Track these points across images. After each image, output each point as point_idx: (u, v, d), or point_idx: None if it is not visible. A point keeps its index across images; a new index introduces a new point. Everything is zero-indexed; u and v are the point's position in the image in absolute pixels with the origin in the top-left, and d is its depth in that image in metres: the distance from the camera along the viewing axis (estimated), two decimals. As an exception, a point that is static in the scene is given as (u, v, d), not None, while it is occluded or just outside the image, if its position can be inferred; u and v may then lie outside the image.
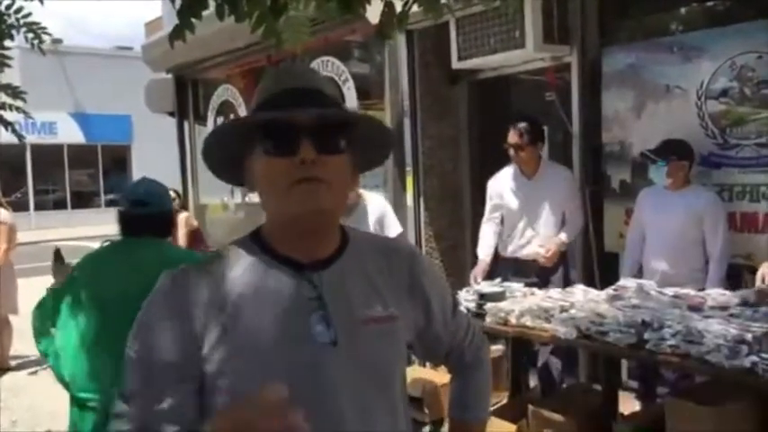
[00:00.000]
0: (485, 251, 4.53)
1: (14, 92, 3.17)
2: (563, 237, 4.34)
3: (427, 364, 4.47)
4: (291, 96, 1.19)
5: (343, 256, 1.25)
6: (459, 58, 5.00)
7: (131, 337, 1.18)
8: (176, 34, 2.18)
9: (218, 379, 1.14)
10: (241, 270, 1.20)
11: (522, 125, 4.29)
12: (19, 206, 20.47)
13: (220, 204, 8.50)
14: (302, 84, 1.21)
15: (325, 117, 1.17)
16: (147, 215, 2.66)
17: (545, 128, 4.63)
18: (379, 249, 1.33)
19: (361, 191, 4.40)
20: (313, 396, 1.14)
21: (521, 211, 4.43)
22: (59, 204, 24.53)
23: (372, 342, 1.22)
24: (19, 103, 3.20)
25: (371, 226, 4.31)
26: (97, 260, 2.76)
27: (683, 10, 4.43)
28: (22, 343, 6.37)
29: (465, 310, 3.52)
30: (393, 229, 4.46)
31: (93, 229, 19.30)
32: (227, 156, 1.26)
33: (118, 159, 25.22)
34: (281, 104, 1.18)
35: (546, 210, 4.36)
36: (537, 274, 4.33)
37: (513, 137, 4.30)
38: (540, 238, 4.35)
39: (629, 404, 3.84)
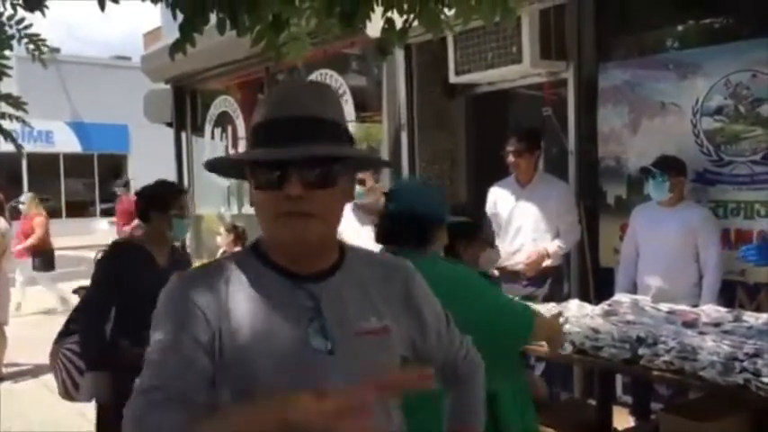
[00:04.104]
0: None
1: (15, 101, 3.15)
2: (549, 247, 4.32)
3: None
4: (284, 127, 1.17)
5: (341, 268, 1.28)
6: (457, 73, 5.03)
7: (153, 328, 1.20)
8: (177, 48, 2.20)
9: (219, 372, 1.18)
10: (243, 279, 1.23)
11: (521, 132, 4.48)
12: (14, 215, 20.35)
13: (216, 215, 8.49)
14: (300, 112, 1.18)
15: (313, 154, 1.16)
16: (394, 215, 2.19)
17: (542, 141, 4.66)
18: (376, 262, 1.38)
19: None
20: None
21: (511, 219, 4.45)
22: (54, 213, 24.40)
23: (367, 352, 1.24)
24: (20, 113, 3.17)
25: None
26: None
27: (679, 27, 4.46)
28: (16, 351, 6.36)
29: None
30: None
31: (88, 238, 19.25)
32: (230, 172, 1.34)
33: (114, 169, 25.16)
34: (273, 135, 1.18)
35: (536, 220, 4.36)
36: (523, 284, 4.31)
37: (511, 143, 4.38)
38: (528, 247, 4.34)
39: (623, 419, 3.83)
